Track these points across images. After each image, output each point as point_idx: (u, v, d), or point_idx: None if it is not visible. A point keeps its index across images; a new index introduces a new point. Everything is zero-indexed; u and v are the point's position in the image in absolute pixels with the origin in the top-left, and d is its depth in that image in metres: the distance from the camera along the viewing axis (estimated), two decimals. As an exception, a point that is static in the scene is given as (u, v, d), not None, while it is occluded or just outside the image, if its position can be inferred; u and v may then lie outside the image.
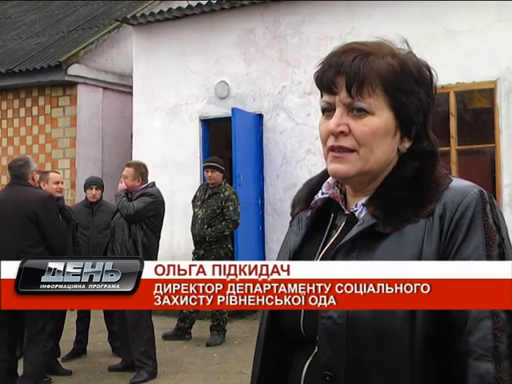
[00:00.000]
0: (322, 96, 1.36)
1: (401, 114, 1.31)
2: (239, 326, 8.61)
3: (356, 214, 1.35)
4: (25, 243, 5.25)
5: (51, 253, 5.35)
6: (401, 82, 1.30)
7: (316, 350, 1.31)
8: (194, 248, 7.70)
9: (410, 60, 1.33)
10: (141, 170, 6.54)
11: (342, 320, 1.24)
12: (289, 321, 1.36)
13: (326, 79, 1.32)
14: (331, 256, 1.30)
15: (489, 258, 1.22)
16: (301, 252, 1.42)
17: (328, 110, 1.33)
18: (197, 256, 7.59)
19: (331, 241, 1.38)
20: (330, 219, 1.42)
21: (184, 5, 10.47)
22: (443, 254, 1.24)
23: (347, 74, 1.28)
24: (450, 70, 8.55)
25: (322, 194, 1.43)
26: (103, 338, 7.54)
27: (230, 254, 7.62)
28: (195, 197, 7.81)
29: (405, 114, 1.31)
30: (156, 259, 6.54)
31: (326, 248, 1.37)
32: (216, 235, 7.41)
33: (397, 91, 1.30)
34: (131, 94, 11.33)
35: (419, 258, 1.24)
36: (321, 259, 1.36)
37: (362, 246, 1.28)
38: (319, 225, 1.43)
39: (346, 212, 1.39)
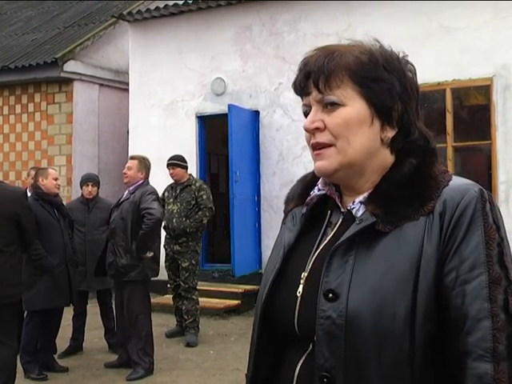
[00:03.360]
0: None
1: (373, 101, 1.30)
2: (235, 323, 8.62)
3: (353, 211, 1.33)
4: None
5: (26, 249, 5.41)
6: (368, 71, 1.30)
7: (310, 349, 1.30)
8: (165, 243, 7.66)
9: (378, 51, 1.34)
10: (145, 163, 6.55)
11: (340, 320, 1.22)
12: (282, 319, 1.34)
13: (297, 83, 1.36)
14: (330, 255, 1.29)
15: (488, 256, 1.22)
16: (296, 248, 1.40)
17: (308, 113, 1.35)
18: (171, 250, 7.62)
19: (327, 239, 1.37)
20: (325, 216, 1.41)
21: (180, 1, 10.46)
22: (443, 252, 1.24)
23: (313, 72, 1.31)
24: (447, 66, 8.56)
25: (319, 190, 1.42)
26: (99, 335, 7.54)
27: (199, 252, 7.72)
28: (162, 199, 7.76)
29: (377, 100, 1.30)
30: (159, 256, 6.54)
31: (322, 246, 1.36)
32: (195, 225, 7.49)
33: (365, 79, 1.30)
34: (127, 90, 11.32)
35: (420, 256, 1.24)
36: (316, 257, 1.35)
37: (361, 244, 1.27)
38: (314, 221, 1.42)
39: (342, 210, 1.38)
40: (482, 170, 9.08)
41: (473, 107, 9.45)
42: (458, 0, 8.49)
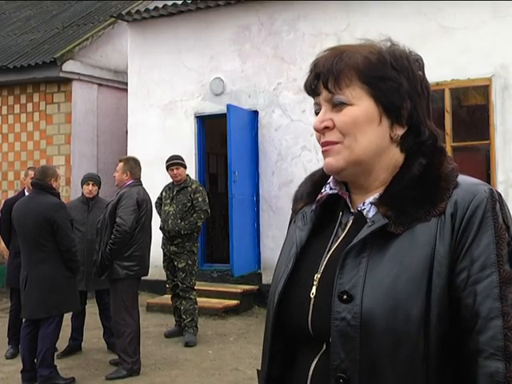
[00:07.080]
0: None
1: (381, 100, 1.32)
2: (234, 323, 8.62)
3: (364, 212, 1.34)
4: None
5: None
6: (376, 70, 1.32)
7: (324, 349, 1.30)
8: (162, 244, 7.74)
9: (386, 51, 1.35)
10: (130, 164, 6.57)
11: (355, 321, 1.23)
12: (295, 320, 1.35)
13: (308, 83, 1.38)
14: (343, 257, 1.30)
15: (498, 256, 1.23)
16: (308, 248, 1.41)
17: (319, 112, 1.37)
18: (167, 251, 7.64)
19: (339, 240, 1.37)
20: (335, 215, 1.41)
21: (179, 1, 10.45)
22: (454, 253, 1.25)
23: (322, 73, 1.34)
24: (445, 66, 8.56)
25: (331, 189, 1.43)
26: (98, 335, 7.54)
27: (196, 252, 7.69)
28: (160, 198, 7.85)
29: (385, 99, 1.32)
30: (148, 255, 6.55)
31: (334, 247, 1.37)
32: (190, 227, 7.49)
33: (373, 79, 1.32)
34: (126, 90, 11.31)
35: (432, 257, 1.25)
36: (329, 259, 1.35)
37: (373, 246, 1.29)
38: (324, 221, 1.43)
39: (352, 210, 1.39)
40: (480, 169, 9.07)
41: (471, 107, 9.45)
42: (457, 0, 8.49)
